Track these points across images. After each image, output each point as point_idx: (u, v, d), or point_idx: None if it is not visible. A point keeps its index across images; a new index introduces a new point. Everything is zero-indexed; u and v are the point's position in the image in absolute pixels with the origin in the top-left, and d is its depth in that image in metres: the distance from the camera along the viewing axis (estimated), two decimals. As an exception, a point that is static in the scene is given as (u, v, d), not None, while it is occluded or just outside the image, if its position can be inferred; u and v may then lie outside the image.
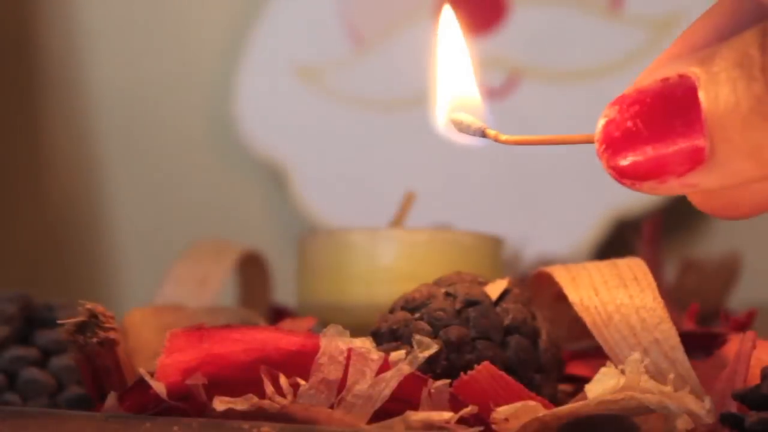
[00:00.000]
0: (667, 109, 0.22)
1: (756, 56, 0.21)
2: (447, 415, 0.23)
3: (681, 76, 0.22)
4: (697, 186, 0.22)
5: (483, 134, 0.25)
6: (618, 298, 0.26)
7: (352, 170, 0.62)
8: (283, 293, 0.42)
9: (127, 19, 0.70)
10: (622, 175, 0.23)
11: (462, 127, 0.25)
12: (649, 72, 0.23)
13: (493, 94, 0.59)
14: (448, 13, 0.29)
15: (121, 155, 0.70)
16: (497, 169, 0.59)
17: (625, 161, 0.22)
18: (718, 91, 0.21)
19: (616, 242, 0.55)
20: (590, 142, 0.23)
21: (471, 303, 0.26)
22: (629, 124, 0.22)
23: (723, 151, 0.21)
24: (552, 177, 0.58)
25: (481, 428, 0.22)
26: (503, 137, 0.25)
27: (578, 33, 0.60)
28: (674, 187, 0.22)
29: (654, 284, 0.26)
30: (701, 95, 0.21)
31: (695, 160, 0.22)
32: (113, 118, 0.70)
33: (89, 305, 0.25)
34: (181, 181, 0.69)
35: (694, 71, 0.22)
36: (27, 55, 0.70)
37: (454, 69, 0.28)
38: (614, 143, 0.23)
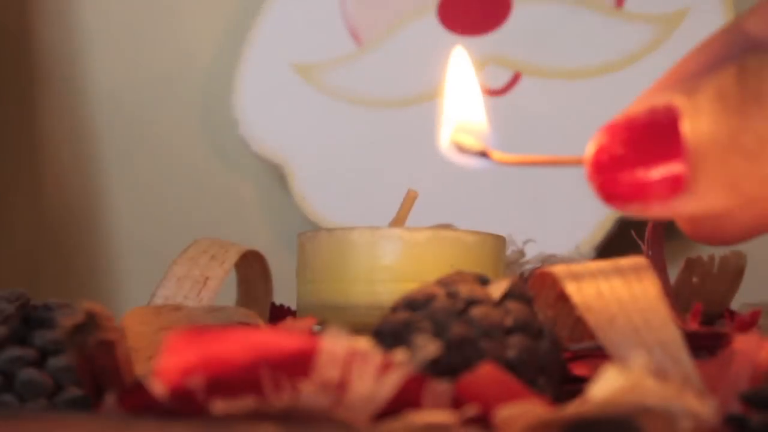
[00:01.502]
0: (654, 137, 0.23)
1: (734, 90, 0.22)
2: (448, 415, 0.22)
3: (667, 106, 0.23)
4: (679, 212, 0.23)
5: (484, 156, 0.27)
6: (621, 298, 0.26)
7: (353, 169, 0.62)
8: (283, 293, 0.42)
9: (126, 18, 0.70)
10: (608, 197, 0.24)
11: (464, 149, 0.27)
12: (639, 100, 0.24)
13: (496, 92, 0.59)
14: (460, 51, 0.30)
15: (120, 154, 0.70)
16: (500, 167, 0.58)
17: (611, 184, 0.24)
18: (699, 122, 0.22)
19: (620, 242, 0.55)
20: (580, 163, 0.25)
21: (473, 303, 0.26)
22: (617, 149, 0.23)
23: (702, 180, 0.22)
24: (555, 176, 0.57)
25: (483, 429, 0.22)
26: (496, 156, 0.27)
27: (582, 30, 0.60)
28: (658, 211, 0.23)
29: (658, 284, 0.26)
30: (684, 125, 0.22)
31: (676, 187, 0.23)
32: (112, 116, 0.70)
33: (88, 305, 0.25)
34: (180, 180, 0.69)
35: (678, 102, 0.22)
36: (25, 55, 0.70)
37: (461, 94, 0.29)
38: (602, 167, 0.24)
